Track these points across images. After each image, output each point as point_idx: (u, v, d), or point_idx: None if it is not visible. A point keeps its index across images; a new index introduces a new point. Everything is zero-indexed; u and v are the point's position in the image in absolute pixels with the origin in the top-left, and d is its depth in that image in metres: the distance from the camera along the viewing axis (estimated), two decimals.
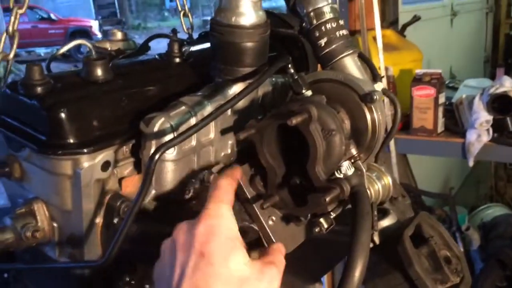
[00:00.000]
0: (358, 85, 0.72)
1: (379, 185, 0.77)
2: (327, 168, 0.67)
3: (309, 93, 0.72)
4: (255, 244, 0.78)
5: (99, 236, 0.69)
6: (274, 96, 0.83)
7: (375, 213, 0.74)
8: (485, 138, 1.96)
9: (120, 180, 0.71)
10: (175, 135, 0.65)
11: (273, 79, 0.84)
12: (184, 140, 0.63)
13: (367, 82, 0.74)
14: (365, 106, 0.72)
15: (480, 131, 1.95)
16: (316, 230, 0.68)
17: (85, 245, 0.69)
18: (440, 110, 2.08)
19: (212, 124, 0.73)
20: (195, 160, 0.73)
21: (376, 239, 0.74)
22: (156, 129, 0.66)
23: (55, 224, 0.71)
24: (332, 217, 0.69)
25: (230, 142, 0.78)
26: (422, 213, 0.73)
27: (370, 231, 0.64)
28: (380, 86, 0.76)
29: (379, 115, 0.73)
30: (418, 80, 2.08)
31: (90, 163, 0.64)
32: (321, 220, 0.68)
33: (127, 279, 0.80)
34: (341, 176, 0.67)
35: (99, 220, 0.69)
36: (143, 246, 0.72)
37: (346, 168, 0.68)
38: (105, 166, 0.66)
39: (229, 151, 0.78)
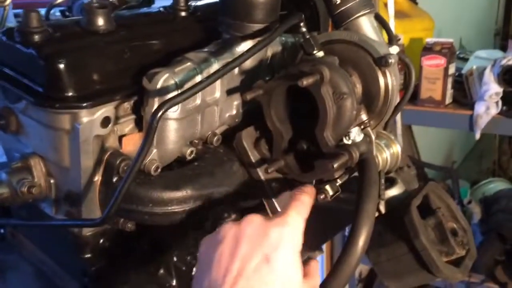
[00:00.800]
0: (373, 47, 0.68)
1: (388, 153, 0.75)
2: (336, 134, 0.64)
3: (320, 54, 0.68)
4: (257, 209, 0.77)
5: (98, 195, 0.67)
6: (284, 56, 0.80)
7: (383, 181, 0.72)
8: (494, 110, 1.92)
9: (120, 138, 0.68)
10: (179, 92, 0.62)
11: (283, 38, 0.80)
12: (188, 98, 0.60)
13: (382, 44, 0.70)
14: (379, 70, 0.69)
15: (489, 104, 1.92)
16: (321, 197, 0.66)
17: (83, 203, 0.67)
18: (450, 81, 2.04)
19: (218, 82, 0.69)
20: (199, 119, 0.70)
21: (382, 208, 0.72)
22: (159, 85, 0.63)
23: (52, 181, 0.69)
24: (338, 184, 0.67)
25: (235, 102, 0.75)
26: (431, 183, 0.71)
27: (376, 200, 0.62)
28: (395, 49, 0.72)
29: (393, 80, 0.69)
30: (428, 49, 2.03)
31: (90, 118, 0.61)
32: (327, 187, 0.66)
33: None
34: (350, 142, 0.65)
35: (97, 178, 0.66)
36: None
37: (355, 134, 0.66)
38: (105, 122, 0.63)
39: (234, 112, 0.75)
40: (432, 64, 2.01)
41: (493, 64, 1.98)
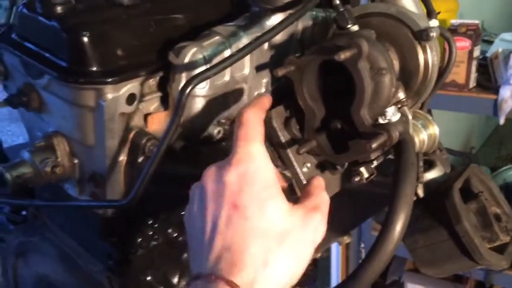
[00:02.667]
0: (412, 20, 0.64)
1: (425, 134, 0.71)
2: (372, 112, 0.61)
3: (355, 28, 0.64)
4: (286, 193, 0.74)
5: (123, 175, 0.65)
6: (314, 32, 0.76)
7: (421, 164, 0.69)
8: None
9: (145, 116, 0.65)
10: (208, 67, 0.58)
11: (314, 13, 0.76)
12: (218, 73, 0.56)
13: (422, 17, 0.66)
14: (419, 44, 0.65)
15: None
16: (356, 179, 0.62)
17: (108, 184, 0.64)
18: (474, 64, 1.98)
19: (248, 58, 0.66)
20: (227, 98, 0.67)
21: (420, 192, 0.69)
22: (187, 59, 0.59)
23: (75, 160, 0.66)
24: (373, 166, 0.64)
25: (264, 80, 0.71)
26: (472, 166, 0.67)
27: (414, 183, 0.59)
28: (435, 22, 0.68)
29: (434, 56, 0.65)
30: (453, 31, 1.96)
31: (114, 94, 0.58)
32: (362, 169, 0.62)
33: (150, 221, 0.77)
34: (386, 122, 0.61)
35: (123, 157, 0.64)
36: (169, 189, 0.68)
37: (392, 113, 0.62)
38: (131, 99, 0.60)
39: (263, 89, 0.72)
40: (457, 47, 1.95)
41: None
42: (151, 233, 0.77)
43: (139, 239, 0.75)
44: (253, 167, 0.47)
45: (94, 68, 0.58)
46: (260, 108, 0.52)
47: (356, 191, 0.75)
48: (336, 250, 2.75)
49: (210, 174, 0.49)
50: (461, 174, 0.65)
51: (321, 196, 0.52)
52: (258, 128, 0.50)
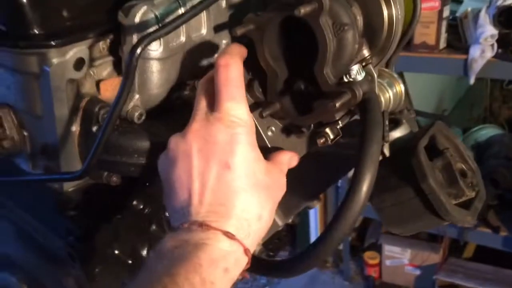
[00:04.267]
0: None
1: (391, 92, 0.70)
2: (336, 71, 0.58)
3: None
4: None
5: (77, 146, 0.61)
6: None
7: (386, 123, 0.67)
8: (489, 53, 1.87)
9: (98, 83, 0.62)
10: (160, 26, 0.55)
11: None
12: (170, 32, 0.53)
13: None
14: None
15: (484, 47, 1.86)
16: (321, 141, 0.60)
17: (61, 156, 0.61)
18: (444, 24, 1.97)
19: (204, 17, 0.62)
20: (184, 60, 0.63)
21: (386, 151, 0.67)
22: (137, 19, 0.56)
23: (25, 133, 0.62)
24: (338, 127, 0.62)
25: (224, 41, 0.68)
26: (438, 123, 0.66)
27: (380, 142, 0.58)
28: None
29: (398, 10, 0.63)
30: None
31: (60, 59, 0.54)
32: (327, 130, 0.60)
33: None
34: (351, 80, 0.59)
35: (75, 128, 0.60)
36: (131, 160, 0.65)
37: (356, 72, 0.60)
38: (79, 64, 0.56)
39: None
40: (426, 7, 1.94)
41: (488, 6, 1.91)
42: (113, 205, 0.74)
43: (101, 213, 0.72)
44: (241, 129, 0.50)
45: (36, 31, 0.53)
46: (241, 58, 0.54)
47: (323, 154, 0.74)
48: (314, 214, 2.79)
49: (194, 130, 0.50)
50: (426, 132, 0.64)
51: (283, 157, 0.57)
52: (242, 86, 0.52)
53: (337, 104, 0.55)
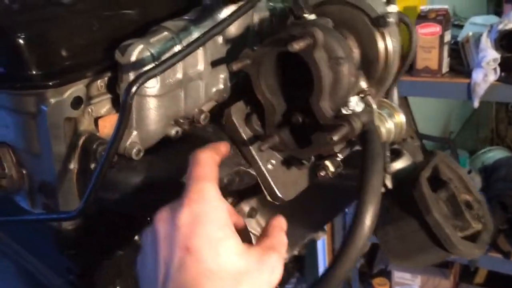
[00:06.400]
0: (369, 6, 0.62)
1: (391, 123, 0.69)
2: (333, 103, 0.59)
3: (312, 17, 0.62)
4: (252, 191, 0.71)
5: (75, 184, 0.61)
6: (273, 24, 0.73)
7: (387, 154, 0.66)
8: (492, 77, 1.86)
9: (96, 120, 0.62)
10: (156, 64, 0.55)
11: (271, 4, 0.74)
12: (166, 69, 0.53)
13: (379, 3, 0.64)
14: (377, 31, 0.62)
15: (486, 70, 1.86)
16: (322, 173, 0.60)
17: (59, 194, 0.60)
18: (446, 49, 1.98)
19: (201, 53, 0.63)
20: (182, 96, 0.64)
21: (388, 182, 0.67)
22: (133, 58, 0.56)
23: (24, 171, 0.62)
24: (339, 159, 0.61)
25: (222, 76, 0.68)
26: (440, 154, 0.65)
27: (382, 173, 0.57)
28: (394, 8, 0.65)
29: (394, 42, 0.63)
30: (423, 17, 1.96)
31: (58, 99, 0.55)
32: (327, 162, 0.60)
33: (113, 230, 0.73)
34: (349, 113, 0.59)
35: (73, 165, 0.60)
36: (131, 195, 0.64)
37: (355, 104, 0.60)
38: (76, 102, 0.57)
39: (221, 86, 0.69)
40: (427, 33, 1.95)
41: (489, 30, 1.92)
42: (115, 242, 0.74)
43: (102, 249, 0.71)
44: (205, 208, 0.46)
45: (34, 72, 0.54)
46: (216, 152, 0.51)
47: (326, 186, 0.73)
48: (322, 244, 2.75)
49: (161, 217, 0.47)
50: (428, 163, 0.63)
51: (278, 237, 0.50)
52: (213, 169, 0.49)
53: (335, 137, 0.55)
